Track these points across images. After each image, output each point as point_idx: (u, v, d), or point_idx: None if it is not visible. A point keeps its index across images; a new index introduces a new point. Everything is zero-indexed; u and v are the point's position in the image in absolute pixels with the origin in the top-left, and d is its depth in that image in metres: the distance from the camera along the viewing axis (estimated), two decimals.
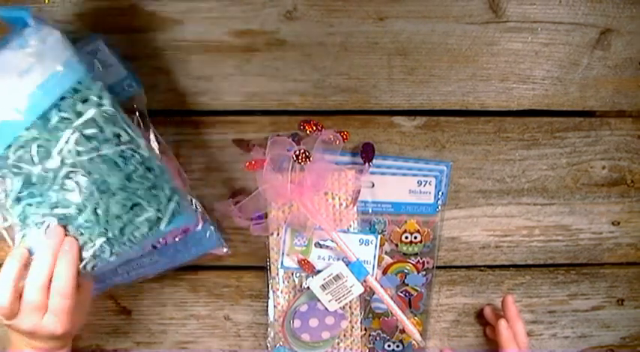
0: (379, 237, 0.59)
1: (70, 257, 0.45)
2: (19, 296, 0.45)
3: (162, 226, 0.47)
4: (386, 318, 0.61)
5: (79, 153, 0.44)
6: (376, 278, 0.58)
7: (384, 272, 0.60)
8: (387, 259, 0.60)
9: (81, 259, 0.46)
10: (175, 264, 0.58)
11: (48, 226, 0.45)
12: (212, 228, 0.57)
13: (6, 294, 0.44)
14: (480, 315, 0.64)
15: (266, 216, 0.58)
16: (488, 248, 0.62)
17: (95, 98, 0.44)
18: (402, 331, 0.61)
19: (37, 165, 0.44)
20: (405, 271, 0.61)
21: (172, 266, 0.58)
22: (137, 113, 0.54)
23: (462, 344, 0.65)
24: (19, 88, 0.42)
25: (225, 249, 0.59)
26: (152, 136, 0.54)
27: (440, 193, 0.59)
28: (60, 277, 0.45)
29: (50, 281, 0.45)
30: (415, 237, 0.60)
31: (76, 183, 0.44)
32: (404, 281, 0.61)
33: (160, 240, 0.55)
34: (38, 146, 0.43)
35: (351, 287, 0.57)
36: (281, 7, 0.56)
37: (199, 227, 0.56)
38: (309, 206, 0.56)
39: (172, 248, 0.56)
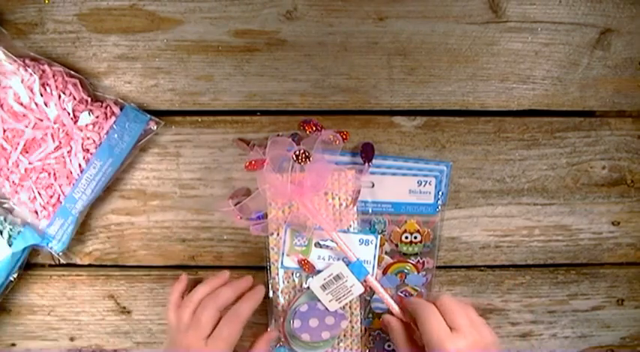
0: (379, 237, 0.59)
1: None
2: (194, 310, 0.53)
3: None
4: None
5: None
6: (376, 278, 0.59)
7: (384, 272, 0.60)
8: (387, 259, 0.60)
9: None
10: (121, 160, 0.56)
11: None
12: (132, 107, 0.56)
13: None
14: None
15: (266, 216, 0.58)
16: (488, 248, 0.62)
17: None
18: None
19: None
20: (405, 271, 0.61)
21: (118, 164, 0.56)
22: None
23: None
24: None
25: (155, 125, 0.57)
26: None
27: (440, 193, 0.59)
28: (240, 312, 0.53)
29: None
30: (415, 237, 0.60)
31: None
32: (404, 281, 0.61)
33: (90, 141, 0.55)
34: None
35: (351, 287, 0.57)
36: (281, 7, 0.56)
37: (119, 112, 0.56)
38: (309, 206, 0.56)
39: (106, 145, 0.55)
